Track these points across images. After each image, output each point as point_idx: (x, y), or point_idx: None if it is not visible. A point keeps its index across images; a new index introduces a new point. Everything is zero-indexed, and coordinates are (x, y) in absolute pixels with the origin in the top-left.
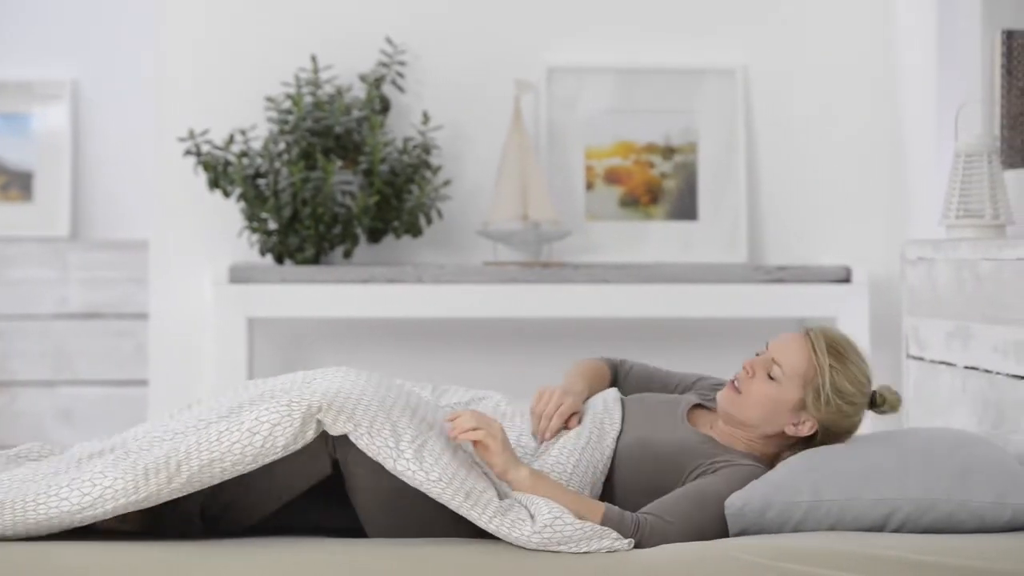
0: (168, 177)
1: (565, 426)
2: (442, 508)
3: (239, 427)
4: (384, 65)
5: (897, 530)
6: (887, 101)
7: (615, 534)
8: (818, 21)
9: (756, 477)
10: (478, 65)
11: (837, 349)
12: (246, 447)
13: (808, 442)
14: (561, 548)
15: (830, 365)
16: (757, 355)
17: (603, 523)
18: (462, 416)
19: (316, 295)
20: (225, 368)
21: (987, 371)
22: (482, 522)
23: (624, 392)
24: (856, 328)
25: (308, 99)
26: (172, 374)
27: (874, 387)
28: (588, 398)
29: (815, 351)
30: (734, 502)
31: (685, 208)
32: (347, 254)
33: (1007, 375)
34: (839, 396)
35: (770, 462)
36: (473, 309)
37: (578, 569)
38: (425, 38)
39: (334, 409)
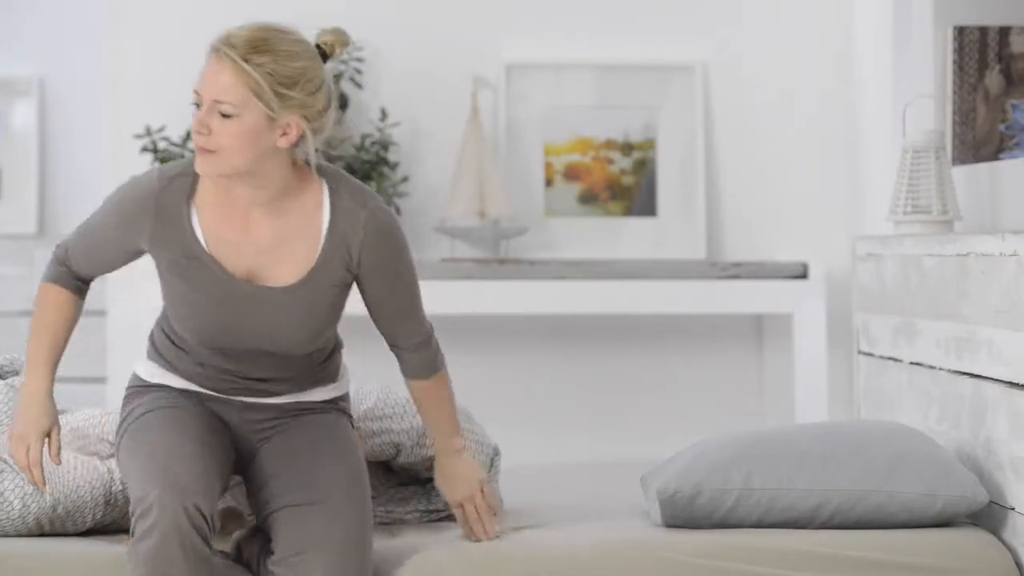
0: (125, 174)
1: None
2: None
3: None
4: (342, 61)
5: (828, 520)
6: (844, 98)
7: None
8: (777, 19)
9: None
10: (436, 62)
11: (257, 46)
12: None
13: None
14: None
15: (260, 65)
16: (196, 111)
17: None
18: (485, 524)
19: None
20: None
21: (931, 367)
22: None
23: None
24: (813, 324)
25: None
26: (130, 371)
27: (315, 41)
28: None
29: (241, 63)
30: (666, 487)
31: (644, 204)
32: None
33: (948, 371)
34: (292, 83)
35: (297, 174)
36: (430, 306)
37: (513, 557)
38: (383, 35)
39: None
